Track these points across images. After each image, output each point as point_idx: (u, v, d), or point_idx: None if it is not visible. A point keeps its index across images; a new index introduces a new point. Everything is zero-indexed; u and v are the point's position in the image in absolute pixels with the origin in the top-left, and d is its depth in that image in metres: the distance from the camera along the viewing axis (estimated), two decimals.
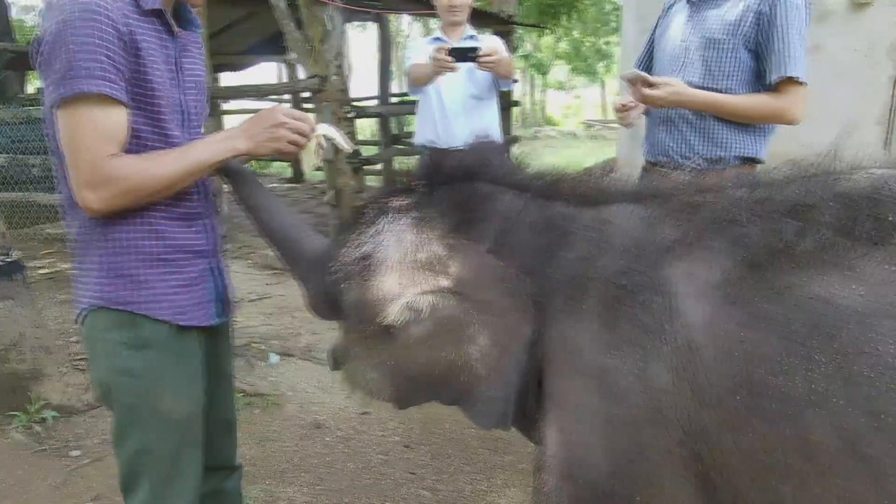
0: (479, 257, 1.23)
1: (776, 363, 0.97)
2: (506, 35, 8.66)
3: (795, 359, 0.96)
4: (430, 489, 2.69)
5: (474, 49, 3.10)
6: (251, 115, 1.54)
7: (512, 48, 9.33)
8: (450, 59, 3.04)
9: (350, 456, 2.95)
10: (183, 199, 1.51)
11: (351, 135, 5.88)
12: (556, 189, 1.30)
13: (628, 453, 1.09)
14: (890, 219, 0.99)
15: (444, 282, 1.23)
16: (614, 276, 1.13)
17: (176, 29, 1.49)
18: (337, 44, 5.67)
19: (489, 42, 3.41)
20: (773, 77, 2.11)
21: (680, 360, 1.04)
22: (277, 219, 1.56)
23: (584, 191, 1.28)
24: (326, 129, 1.56)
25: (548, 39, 24.12)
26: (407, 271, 1.27)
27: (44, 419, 3.17)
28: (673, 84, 2.18)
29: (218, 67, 9.88)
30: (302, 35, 5.60)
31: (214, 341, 1.70)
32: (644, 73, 2.21)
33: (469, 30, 3.52)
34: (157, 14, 1.43)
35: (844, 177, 1.08)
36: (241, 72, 11.94)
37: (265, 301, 5.10)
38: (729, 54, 2.18)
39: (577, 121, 26.15)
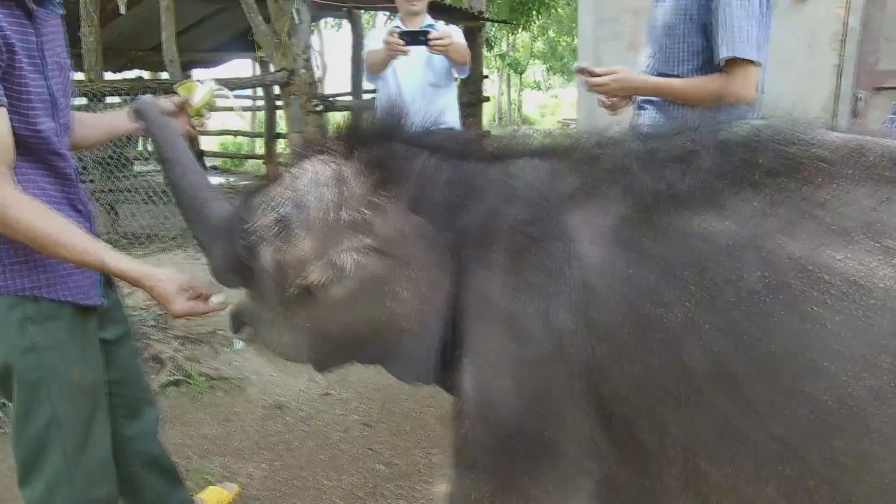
0: (400, 214, 1.27)
1: (658, 296, 1.06)
2: (475, 31, 8.79)
3: (674, 291, 1.04)
4: (386, 463, 2.77)
5: (425, 32, 3.17)
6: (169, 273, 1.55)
7: (482, 45, 9.45)
8: (401, 42, 3.11)
9: (310, 434, 3.01)
10: (66, 186, 1.58)
11: (321, 128, 5.93)
12: (467, 148, 1.37)
13: (535, 391, 1.16)
14: (760, 161, 1.08)
15: (367, 240, 1.27)
16: (520, 225, 1.20)
17: (32, 7, 1.45)
18: (305, 38, 5.73)
19: (443, 28, 3.49)
20: (718, 58, 2.08)
21: (578, 300, 1.12)
22: (189, 176, 1.56)
23: (493, 148, 1.36)
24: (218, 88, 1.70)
25: (524, 39, 24.29)
26: (328, 231, 1.29)
27: (3, 403, 3.19)
28: (618, 72, 2.21)
29: (188, 64, 9.88)
30: (270, 29, 5.65)
31: (110, 312, 1.77)
32: (588, 65, 2.28)
33: (428, 20, 3.59)
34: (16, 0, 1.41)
35: (724, 128, 1.18)
36: (214, 68, 11.92)
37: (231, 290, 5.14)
38: (681, 40, 2.18)
39: (553, 120, 26.34)
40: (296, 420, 3.15)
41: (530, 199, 1.22)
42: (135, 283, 1.52)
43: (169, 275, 1.54)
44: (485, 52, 12.48)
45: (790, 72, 3.69)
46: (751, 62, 2.05)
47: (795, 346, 0.97)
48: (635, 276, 1.08)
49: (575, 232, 1.16)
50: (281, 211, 1.34)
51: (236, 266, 1.44)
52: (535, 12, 12.08)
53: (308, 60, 5.61)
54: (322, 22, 14.43)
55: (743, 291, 1.00)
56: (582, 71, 2.29)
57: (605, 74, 2.21)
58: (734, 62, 2.05)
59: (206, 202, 1.53)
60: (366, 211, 1.28)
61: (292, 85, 5.69)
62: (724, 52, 2.05)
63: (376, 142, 1.38)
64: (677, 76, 2.20)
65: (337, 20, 15.95)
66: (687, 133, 1.18)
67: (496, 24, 13.57)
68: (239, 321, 1.57)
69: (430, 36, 3.14)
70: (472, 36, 8.66)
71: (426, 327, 1.26)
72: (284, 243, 1.32)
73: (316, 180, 1.34)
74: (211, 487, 2.51)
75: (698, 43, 2.15)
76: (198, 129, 1.82)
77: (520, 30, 13.77)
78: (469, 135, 1.42)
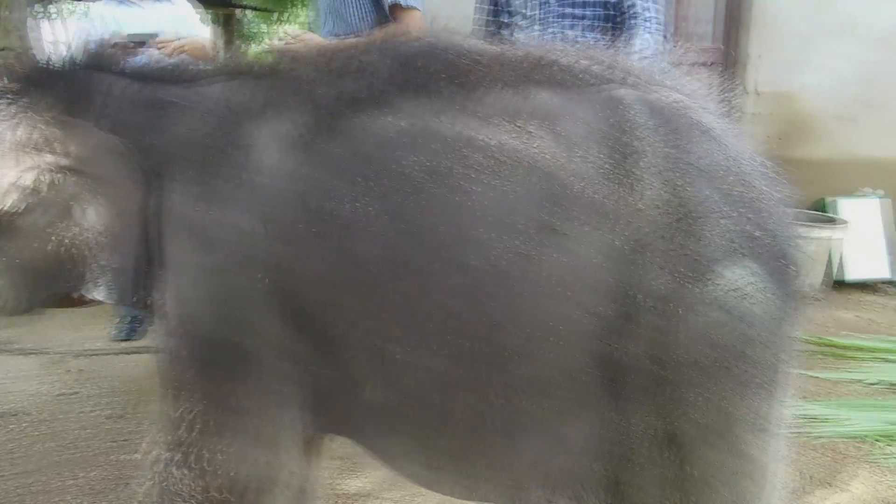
0: (91, 134, 1.26)
1: (334, 192, 1.12)
2: (228, 18, 8.49)
3: (348, 185, 1.11)
4: (135, 452, 2.58)
5: (152, 36, 3.07)
6: None
7: (235, 32, 9.13)
8: (129, 45, 2.96)
9: (49, 437, 2.71)
10: None
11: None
12: (163, 73, 1.38)
13: (227, 299, 1.17)
14: (420, 65, 1.19)
15: (59, 160, 1.23)
16: (205, 139, 1.22)
17: None
18: (23, 15, 5.13)
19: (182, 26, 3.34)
20: (386, 8, 2.40)
21: (261, 204, 1.15)
22: None
23: (185, 72, 1.37)
24: None
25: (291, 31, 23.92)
26: (19, 156, 1.23)
27: None
28: (304, 39, 2.47)
29: None
30: None
31: None
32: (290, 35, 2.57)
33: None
34: None
35: (404, 43, 1.27)
36: None
37: None
38: (351, 6, 2.47)
39: None
40: (31, 425, 2.82)
41: (216, 114, 1.25)
42: None
43: None
44: (250, 45, 12.07)
45: None
46: (410, 8, 2.42)
47: (450, 218, 1.07)
48: (313, 176, 1.14)
49: (256, 140, 1.19)
50: None
51: None
52: (293, 4, 11.89)
53: (27, 37, 5.02)
54: (66, 9, 12.97)
55: (403, 176, 1.09)
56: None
57: (296, 43, 2.45)
58: (401, 10, 2.42)
59: None
60: (55, 133, 1.24)
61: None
62: (390, 1, 2.42)
63: (72, 70, 1.35)
64: (357, 35, 2.48)
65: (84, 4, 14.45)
66: (358, 47, 1.26)
67: (259, 19, 13.18)
68: None
69: (156, 41, 3.03)
70: (227, 23, 8.37)
71: (122, 245, 1.25)
72: None
73: (6, 110, 1.28)
74: None
75: (365, 4, 2.48)
76: None
77: (280, 22, 13.51)
78: (167, 62, 1.41)
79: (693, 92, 1.22)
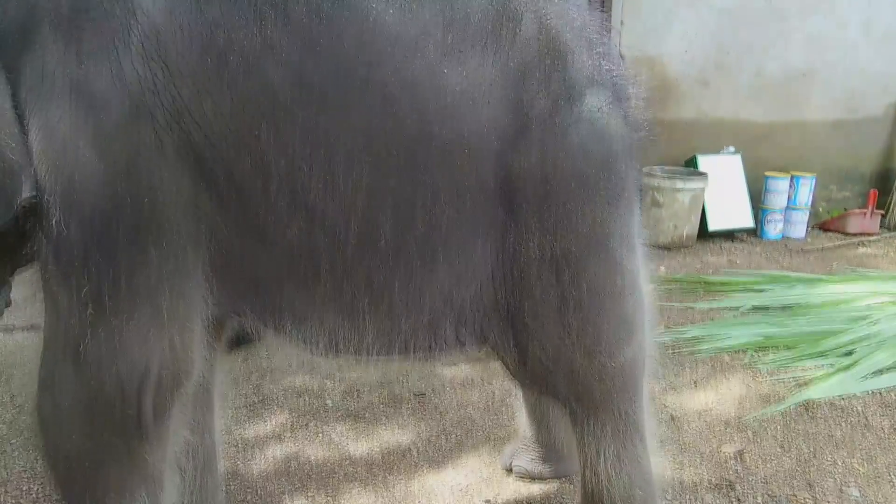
0: None
1: (234, 22, 1.09)
2: None
3: (249, 14, 1.09)
4: None
5: None
6: None
7: None
8: None
9: None
10: None
11: None
12: None
13: (124, 156, 1.10)
14: None
15: None
16: None
17: None
18: None
19: None
20: None
21: (149, 46, 1.09)
22: None
23: None
24: None
25: None
26: None
27: None
28: None
29: None
30: None
31: None
32: None
33: None
34: None
35: None
36: None
37: None
38: None
39: None
40: None
41: None
42: None
43: None
44: None
45: None
46: None
47: (362, 41, 1.11)
48: (200, 10, 1.09)
49: None
50: None
51: None
52: None
53: None
54: None
55: (305, 3, 1.10)
56: None
57: None
58: None
59: None
60: None
61: None
62: None
63: None
64: None
65: None
66: None
67: None
68: None
69: None
70: None
71: None
72: None
73: None
74: None
75: None
76: None
77: None
78: None
79: None
